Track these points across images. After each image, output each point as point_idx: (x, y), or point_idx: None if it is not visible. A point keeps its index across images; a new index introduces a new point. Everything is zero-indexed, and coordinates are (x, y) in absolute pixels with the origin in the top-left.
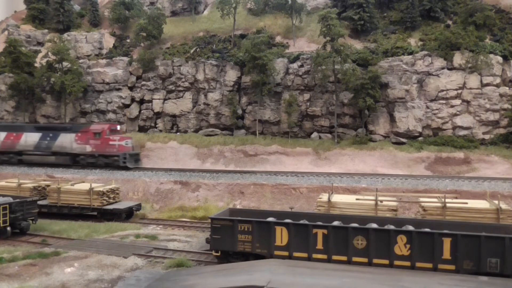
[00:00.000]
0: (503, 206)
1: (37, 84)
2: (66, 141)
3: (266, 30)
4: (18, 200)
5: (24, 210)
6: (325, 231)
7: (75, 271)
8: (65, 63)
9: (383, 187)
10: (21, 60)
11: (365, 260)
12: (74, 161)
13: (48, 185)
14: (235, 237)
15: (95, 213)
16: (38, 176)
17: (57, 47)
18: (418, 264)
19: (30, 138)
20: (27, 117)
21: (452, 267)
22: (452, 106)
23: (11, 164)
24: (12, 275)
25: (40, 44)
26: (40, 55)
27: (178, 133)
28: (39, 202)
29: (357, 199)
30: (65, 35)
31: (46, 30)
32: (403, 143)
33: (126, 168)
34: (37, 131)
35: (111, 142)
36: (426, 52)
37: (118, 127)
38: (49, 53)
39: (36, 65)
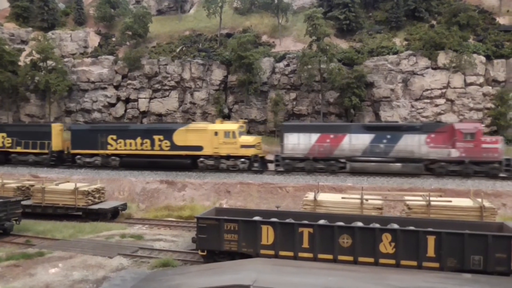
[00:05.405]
0: (486, 204)
1: (21, 83)
2: (413, 144)
3: (252, 29)
4: (1, 200)
5: (8, 210)
6: (311, 230)
7: (60, 272)
8: (49, 62)
9: (369, 186)
10: (4, 59)
11: (350, 258)
12: (427, 169)
13: (32, 185)
14: (221, 236)
15: (80, 213)
16: (22, 176)
17: (42, 45)
18: (403, 262)
19: (356, 141)
20: (11, 116)
21: (436, 264)
22: (436, 105)
23: (333, 173)
24: None
25: (24, 42)
26: (24, 53)
27: None
28: (23, 202)
29: (342, 198)
30: (50, 33)
31: (30, 29)
32: None
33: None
34: (367, 132)
35: (487, 145)
36: (410, 52)
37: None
38: (33, 52)
39: (20, 63)
